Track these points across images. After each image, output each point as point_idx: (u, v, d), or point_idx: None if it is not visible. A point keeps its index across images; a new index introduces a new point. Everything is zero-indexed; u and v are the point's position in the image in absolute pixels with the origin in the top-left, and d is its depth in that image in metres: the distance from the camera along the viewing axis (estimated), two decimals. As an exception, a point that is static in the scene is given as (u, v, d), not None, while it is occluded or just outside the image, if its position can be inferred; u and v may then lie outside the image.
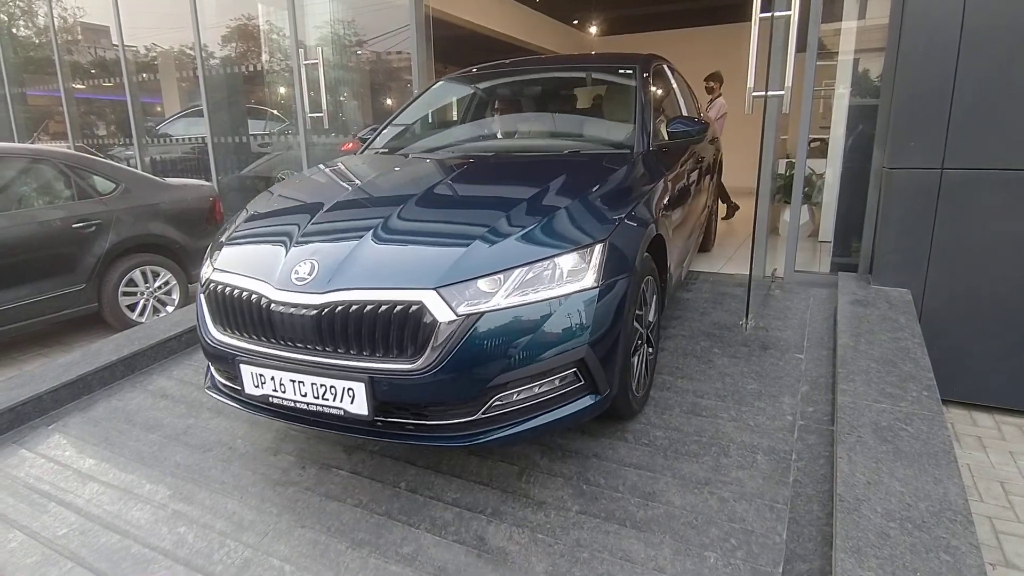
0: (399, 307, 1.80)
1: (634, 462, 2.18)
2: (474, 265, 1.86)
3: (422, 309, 1.79)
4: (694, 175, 3.44)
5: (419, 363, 1.79)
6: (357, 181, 2.78)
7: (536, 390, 1.91)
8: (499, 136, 3.46)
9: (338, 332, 1.86)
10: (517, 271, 1.86)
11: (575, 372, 1.95)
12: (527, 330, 1.83)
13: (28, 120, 10.81)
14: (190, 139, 7.39)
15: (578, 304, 1.89)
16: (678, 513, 1.92)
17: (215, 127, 6.93)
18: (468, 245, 1.92)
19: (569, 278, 1.90)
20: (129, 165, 7.37)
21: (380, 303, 1.82)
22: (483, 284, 1.84)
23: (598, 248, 1.98)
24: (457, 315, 1.78)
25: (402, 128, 3.54)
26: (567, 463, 2.20)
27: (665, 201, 2.64)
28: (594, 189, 2.28)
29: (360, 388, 1.82)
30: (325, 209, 2.32)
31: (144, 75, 7.85)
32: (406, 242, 2.08)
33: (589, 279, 1.92)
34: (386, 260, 1.96)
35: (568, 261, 1.92)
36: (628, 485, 2.06)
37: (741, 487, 2.03)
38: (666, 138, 2.91)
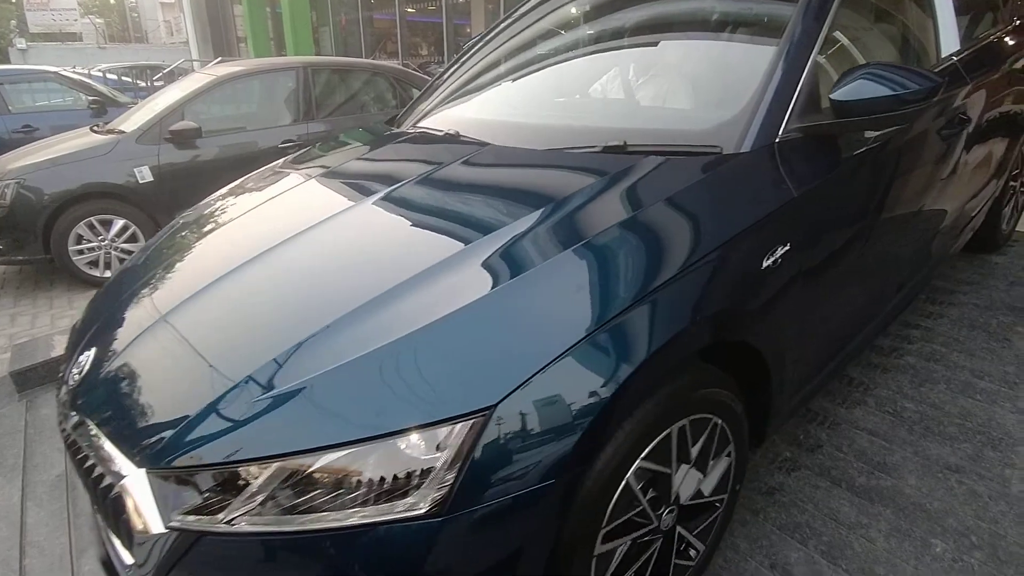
0: (113, 484, 1.07)
1: (869, 427, 1.98)
2: (209, 438, 1.01)
3: (123, 497, 1.04)
4: (915, 175, 1.90)
5: None
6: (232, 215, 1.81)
7: None
8: (514, 109, 2.09)
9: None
10: (275, 465, 0.96)
11: None
12: None
13: (372, 40, 12.93)
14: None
15: (399, 548, 0.95)
16: (909, 492, 1.73)
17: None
18: (219, 397, 1.06)
19: (387, 494, 0.95)
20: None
21: (96, 470, 1.12)
22: (210, 477, 1.00)
23: (459, 429, 0.95)
24: (166, 527, 0.99)
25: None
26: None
27: (794, 264, 1.38)
28: (555, 258, 1.17)
29: None
30: (138, 282, 1.56)
31: (459, -1, 8.72)
32: (163, 362, 1.23)
33: (425, 498, 0.94)
34: (126, 394, 1.21)
35: (387, 455, 0.96)
36: (855, 449, 1.90)
37: (1004, 487, 1.72)
38: (833, 116, 1.46)
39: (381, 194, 1.57)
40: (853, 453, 1.88)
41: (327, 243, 1.44)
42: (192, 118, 4.14)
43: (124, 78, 10.74)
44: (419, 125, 2.12)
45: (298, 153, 2.32)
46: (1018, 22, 2.81)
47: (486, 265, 1.18)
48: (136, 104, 5.31)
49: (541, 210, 1.30)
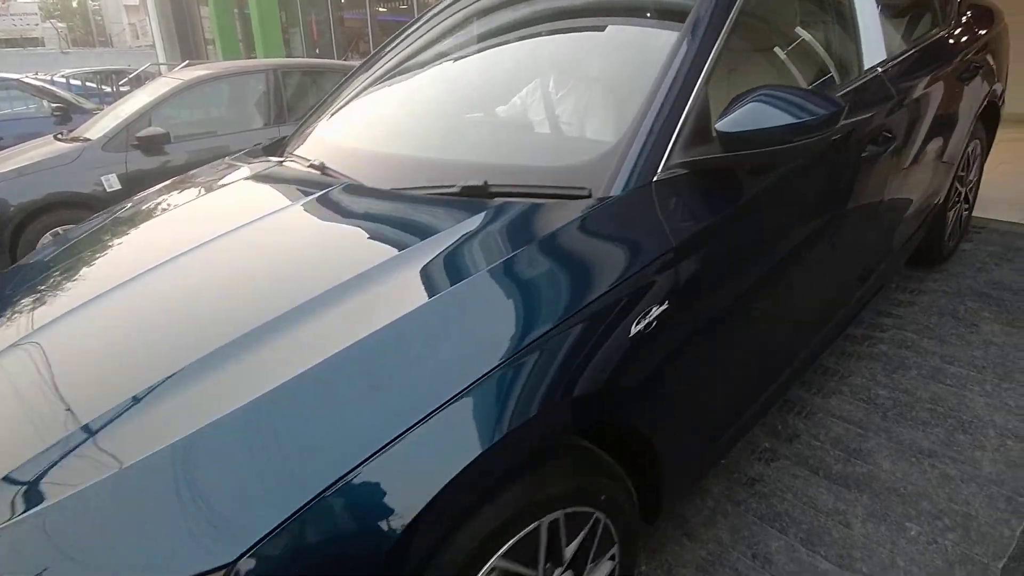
0: None
1: (844, 415, 2.02)
2: None
3: None
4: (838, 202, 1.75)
5: None
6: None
7: None
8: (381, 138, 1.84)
9: None
10: None
11: None
12: None
13: (344, 40, 12.79)
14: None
15: None
16: (884, 477, 1.77)
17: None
18: None
19: None
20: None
21: None
22: None
23: None
24: None
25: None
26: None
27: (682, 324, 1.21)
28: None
29: None
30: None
31: (429, -3, 8.70)
32: None
33: None
34: None
35: None
36: (831, 437, 1.94)
37: (975, 469, 1.77)
38: (721, 148, 1.26)
39: (199, 243, 1.34)
40: (830, 441, 1.92)
41: (124, 311, 1.21)
42: (160, 123, 4.06)
43: (89, 83, 10.49)
44: (294, 153, 1.90)
45: (177, 179, 2.08)
46: (966, 18, 2.66)
47: (274, 351, 0.95)
48: (102, 110, 5.20)
49: (360, 277, 1.07)
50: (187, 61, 11.77)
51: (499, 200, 1.25)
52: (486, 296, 1.03)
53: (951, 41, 2.46)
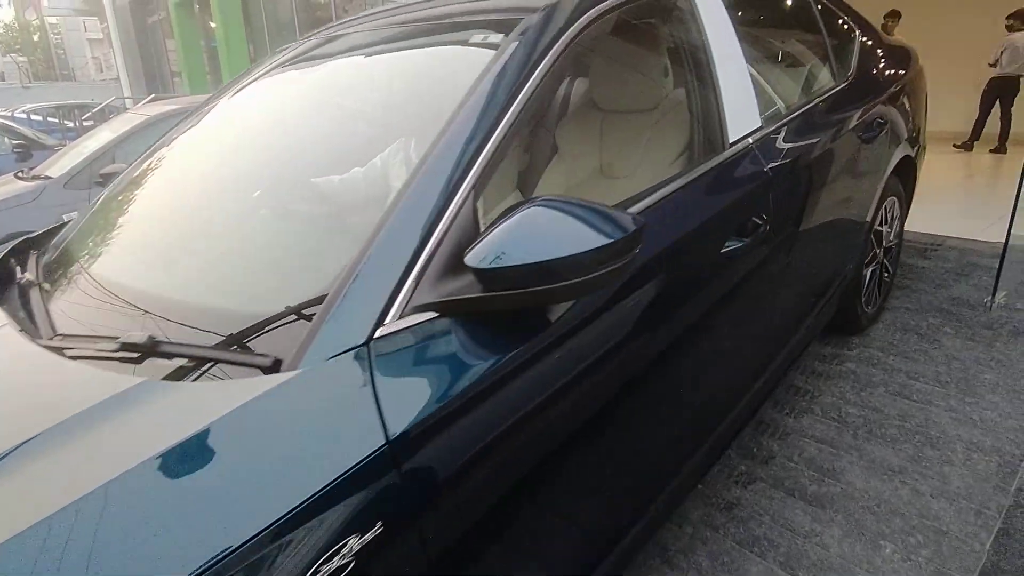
0: None
1: (816, 435, 2.05)
2: None
3: None
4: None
5: None
6: None
7: None
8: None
9: None
10: None
11: None
12: None
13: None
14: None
15: None
16: (857, 495, 1.79)
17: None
18: None
19: None
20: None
21: None
22: None
23: None
24: None
25: None
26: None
27: None
28: None
29: None
30: None
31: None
32: None
33: None
34: None
35: None
36: (805, 457, 1.96)
37: (944, 484, 1.81)
38: (479, 285, 0.90)
39: None
40: (804, 461, 1.94)
41: None
42: (124, 160, 4.00)
43: (51, 119, 10.32)
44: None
45: None
46: (873, 67, 2.41)
47: None
48: (64, 147, 5.11)
49: None
50: (153, 95, 11.67)
51: (163, 363, 0.87)
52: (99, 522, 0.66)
53: (851, 96, 2.17)
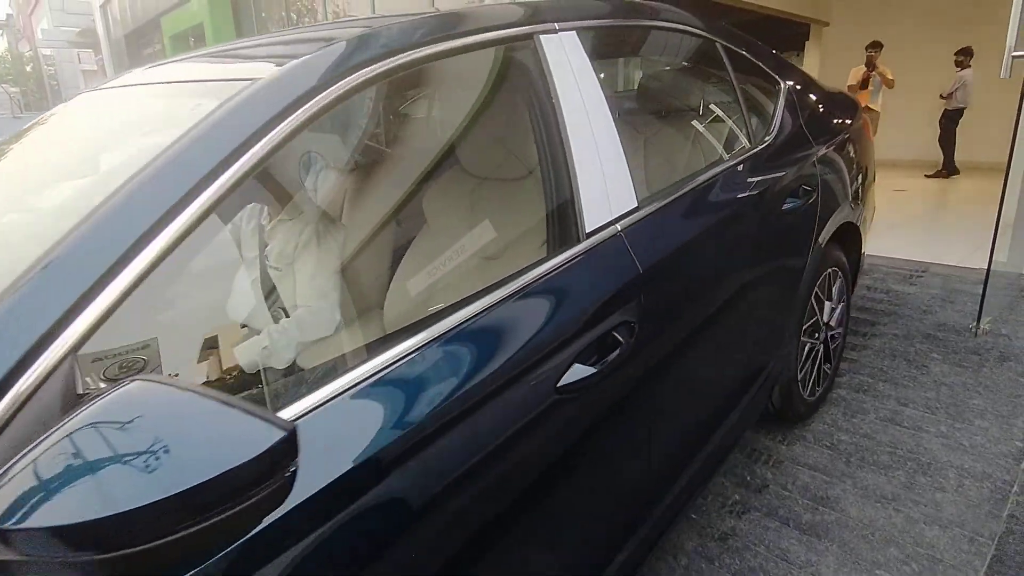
0: None
1: (810, 463, 2.06)
2: None
3: None
4: None
5: None
6: None
7: None
8: None
9: None
10: None
11: None
12: None
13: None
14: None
15: None
16: (852, 524, 1.79)
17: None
18: None
19: None
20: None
21: None
22: None
23: None
24: None
25: None
26: (733, 451, 2.14)
27: None
28: None
29: None
30: None
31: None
32: None
33: None
34: None
35: None
36: (799, 485, 1.96)
37: (937, 511, 1.81)
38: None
39: None
40: (797, 490, 1.94)
41: None
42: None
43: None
44: None
45: None
46: (812, 120, 2.04)
47: None
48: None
49: None
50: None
51: None
52: None
53: (769, 160, 1.82)
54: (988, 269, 2.76)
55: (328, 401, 0.79)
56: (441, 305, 1.01)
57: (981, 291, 2.82)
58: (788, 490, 1.95)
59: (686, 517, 1.84)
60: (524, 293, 1.05)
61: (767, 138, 1.88)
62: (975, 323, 2.79)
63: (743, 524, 1.82)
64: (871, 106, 6.81)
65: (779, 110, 1.97)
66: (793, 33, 9.11)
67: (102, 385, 0.69)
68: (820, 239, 1.98)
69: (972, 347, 2.67)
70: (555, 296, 1.10)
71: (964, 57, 6.83)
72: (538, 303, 1.07)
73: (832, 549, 1.71)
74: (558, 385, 1.03)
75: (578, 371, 1.05)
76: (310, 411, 0.77)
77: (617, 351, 1.13)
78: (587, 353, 1.08)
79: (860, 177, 2.31)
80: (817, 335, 2.18)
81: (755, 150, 1.82)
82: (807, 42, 8.87)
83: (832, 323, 2.24)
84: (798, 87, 2.12)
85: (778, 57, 2.14)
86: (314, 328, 1.21)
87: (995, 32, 3.14)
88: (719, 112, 1.95)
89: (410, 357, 0.88)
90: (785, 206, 1.80)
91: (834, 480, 1.97)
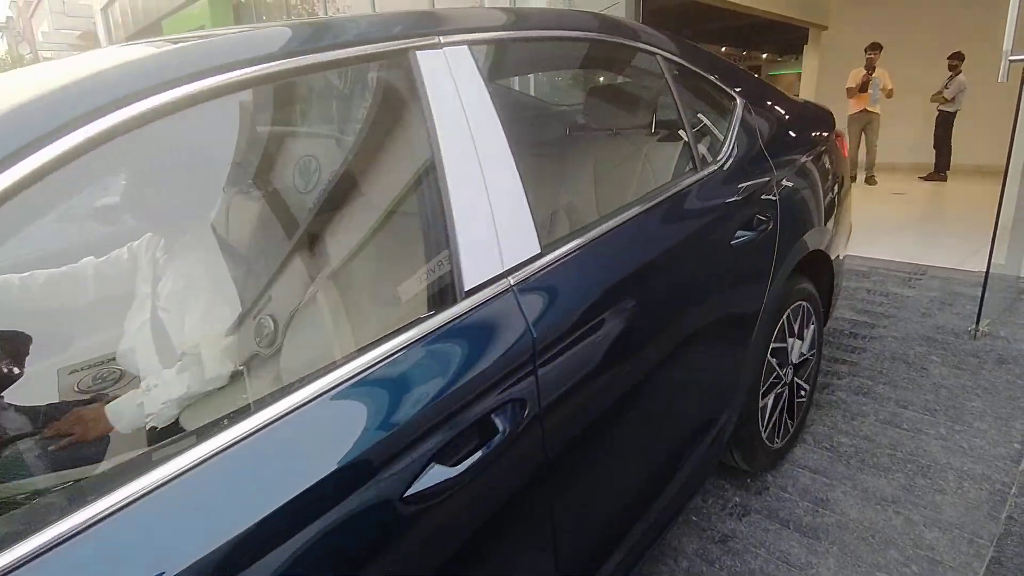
0: None
1: (810, 465, 2.06)
2: None
3: None
4: None
5: None
6: None
7: None
8: None
9: None
10: None
11: None
12: None
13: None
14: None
15: None
16: (852, 526, 1.80)
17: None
18: None
19: None
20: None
21: None
22: None
23: None
24: None
25: None
26: (732, 453, 2.15)
27: None
28: None
29: None
30: None
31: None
32: None
33: None
34: None
35: None
36: (799, 488, 1.97)
37: (936, 513, 1.82)
38: None
39: None
40: (797, 492, 1.95)
41: None
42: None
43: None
44: None
45: None
46: (774, 140, 1.82)
47: None
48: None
49: None
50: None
51: None
52: None
53: (718, 187, 1.61)
54: (987, 272, 2.77)
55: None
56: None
57: (980, 293, 2.83)
58: (788, 492, 1.95)
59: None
60: (367, 375, 0.84)
61: (716, 163, 1.65)
62: (974, 325, 2.80)
63: (743, 526, 1.83)
64: (870, 109, 6.85)
65: (733, 130, 1.74)
66: (792, 37, 9.15)
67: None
68: (782, 271, 1.75)
69: (971, 349, 2.68)
70: (409, 376, 0.87)
71: (957, 61, 6.86)
72: (384, 387, 0.85)
73: (832, 551, 1.72)
74: (405, 495, 0.81)
75: (437, 474, 0.84)
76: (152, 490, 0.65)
77: (495, 440, 0.91)
78: (451, 449, 0.87)
79: (832, 196, 2.08)
80: (784, 375, 1.95)
81: (698, 177, 1.57)
82: (806, 46, 8.92)
83: (805, 358, 2.04)
84: (761, 103, 1.90)
85: (738, 70, 1.93)
86: (198, 380, 0.97)
87: (992, 35, 3.15)
88: (659, 135, 1.72)
89: (229, 451, 0.71)
90: (735, 241, 1.57)
91: (834, 482, 1.98)
